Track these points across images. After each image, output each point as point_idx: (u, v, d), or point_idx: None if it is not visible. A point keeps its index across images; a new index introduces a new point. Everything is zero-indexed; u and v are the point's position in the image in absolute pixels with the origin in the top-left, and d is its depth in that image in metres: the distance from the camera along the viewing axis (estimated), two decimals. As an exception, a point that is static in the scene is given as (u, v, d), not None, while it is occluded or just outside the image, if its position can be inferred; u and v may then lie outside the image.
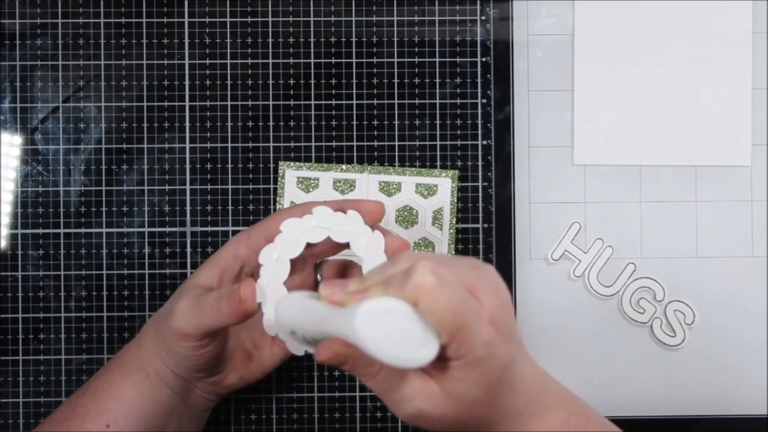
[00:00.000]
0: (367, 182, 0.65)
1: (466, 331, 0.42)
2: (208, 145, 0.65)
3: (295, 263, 0.53)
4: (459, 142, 0.66)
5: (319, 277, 0.56)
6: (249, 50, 0.66)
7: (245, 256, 0.54)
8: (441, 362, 0.44)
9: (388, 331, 0.41)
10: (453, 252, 0.65)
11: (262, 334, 0.52)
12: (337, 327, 0.43)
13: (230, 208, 0.65)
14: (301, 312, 0.48)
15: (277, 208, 0.65)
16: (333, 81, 0.66)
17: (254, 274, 0.54)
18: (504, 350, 0.44)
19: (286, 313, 0.49)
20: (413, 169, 0.65)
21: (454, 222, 0.65)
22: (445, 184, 0.65)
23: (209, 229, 0.65)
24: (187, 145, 0.65)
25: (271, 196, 0.65)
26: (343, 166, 0.65)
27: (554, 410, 0.48)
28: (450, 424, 0.45)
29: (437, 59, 0.66)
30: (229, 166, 0.65)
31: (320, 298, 0.46)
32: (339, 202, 0.54)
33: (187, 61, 0.65)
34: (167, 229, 0.65)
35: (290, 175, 0.65)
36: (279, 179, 0.65)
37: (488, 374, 0.44)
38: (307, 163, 0.65)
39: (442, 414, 0.45)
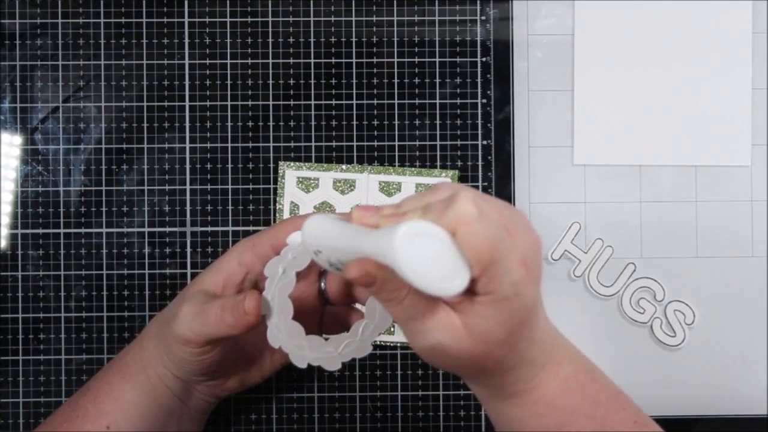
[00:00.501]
0: (367, 182, 0.65)
1: (498, 267, 0.41)
2: (208, 145, 0.65)
3: (299, 271, 0.53)
4: (459, 142, 0.66)
5: (323, 284, 0.56)
6: (249, 50, 0.66)
7: (250, 263, 0.54)
8: (468, 296, 0.43)
9: (424, 256, 0.40)
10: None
11: (264, 340, 0.52)
12: (371, 246, 0.42)
13: (230, 208, 0.65)
14: (332, 231, 0.46)
15: (277, 208, 0.65)
16: (333, 81, 0.66)
17: (258, 282, 0.54)
18: (531, 292, 0.43)
19: (315, 231, 0.48)
20: (413, 169, 0.65)
21: (454, 222, 0.65)
22: (445, 184, 0.65)
23: (209, 229, 0.65)
24: (187, 145, 0.65)
25: (271, 196, 0.65)
26: (343, 166, 0.65)
27: (564, 364, 0.48)
28: (465, 362, 0.44)
29: (437, 59, 0.66)
30: (229, 166, 0.65)
31: (351, 221, 0.45)
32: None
33: (187, 61, 0.65)
34: (167, 229, 0.65)
35: (290, 175, 0.65)
36: (279, 179, 0.65)
37: (512, 314, 0.43)
38: (307, 163, 0.65)
39: (461, 350, 0.44)
